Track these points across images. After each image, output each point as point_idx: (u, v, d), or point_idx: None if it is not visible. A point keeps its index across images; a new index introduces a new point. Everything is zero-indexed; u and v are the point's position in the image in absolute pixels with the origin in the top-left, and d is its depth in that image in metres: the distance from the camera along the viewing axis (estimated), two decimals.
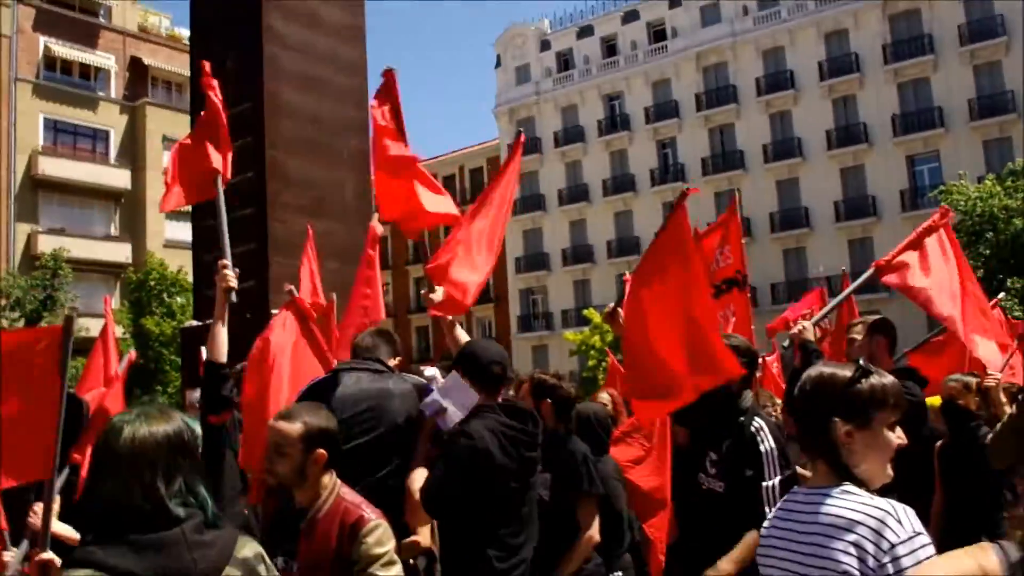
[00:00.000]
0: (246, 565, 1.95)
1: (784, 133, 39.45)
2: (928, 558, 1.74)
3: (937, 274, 4.23)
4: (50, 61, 33.66)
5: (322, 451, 2.72)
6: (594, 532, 3.65)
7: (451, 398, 3.10)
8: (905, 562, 1.74)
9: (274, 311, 7.13)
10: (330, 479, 2.76)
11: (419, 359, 46.96)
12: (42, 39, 33.33)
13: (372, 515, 2.69)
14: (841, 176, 37.89)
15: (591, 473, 3.67)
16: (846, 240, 36.43)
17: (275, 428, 2.75)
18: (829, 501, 1.91)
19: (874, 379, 1.98)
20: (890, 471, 1.96)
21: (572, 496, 3.67)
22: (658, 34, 43.64)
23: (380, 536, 2.65)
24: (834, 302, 4.99)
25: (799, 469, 4.30)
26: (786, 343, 4.24)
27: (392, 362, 3.55)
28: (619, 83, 44.09)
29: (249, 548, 2.00)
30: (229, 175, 4.49)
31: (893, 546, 1.77)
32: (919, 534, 1.78)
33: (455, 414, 3.07)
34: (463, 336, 3.78)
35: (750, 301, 5.39)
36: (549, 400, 3.78)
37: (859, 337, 4.26)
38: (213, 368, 3.65)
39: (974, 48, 34.86)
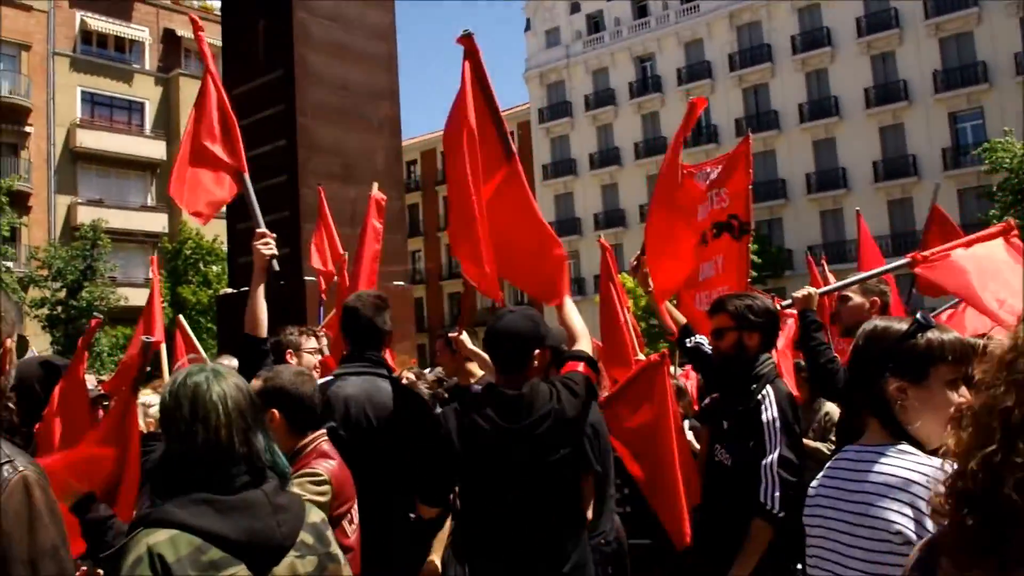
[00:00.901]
0: (316, 530, 1.91)
1: (820, 92, 38.55)
2: None
3: (983, 278, 3.47)
4: (86, 35, 34.06)
5: (274, 411, 2.64)
6: (589, 511, 3.40)
7: None
8: None
9: (307, 278, 7.28)
10: (297, 441, 2.71)
11: (452, 326, 47.24)
12: (78, 14, 33.70)
13: (320, 467, 2.63)
14: (880, 135, 37.00)
15: (591, 452, 3.39)
16: (885, 201, 35.71)
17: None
18: (882, 460, 1.84)
19: (932, 333, 1.89)
20: (950, 433, 1.87)
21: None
22: None
23: (305, 481, 2.55)
24: (855, 279, 4.24)
25: (806, 441, 4.18)
26: (786, 303, 3.96)
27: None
28: (650, 44, 43.37)
29: (316, 513, 1.96)
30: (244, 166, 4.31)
31: None
32: None
33: None
34: (476, 371, 3.80)
35: (748, 251, 4.78)
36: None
37: (855, 296, 3.92)
38: (252, 343, 3.37)
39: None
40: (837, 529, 1.90)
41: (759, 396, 3.19)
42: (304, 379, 2.79)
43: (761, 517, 3.01)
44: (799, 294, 3.75)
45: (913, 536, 1.74)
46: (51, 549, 1.49)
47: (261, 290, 3.46)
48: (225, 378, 1.85)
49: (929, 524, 1.68)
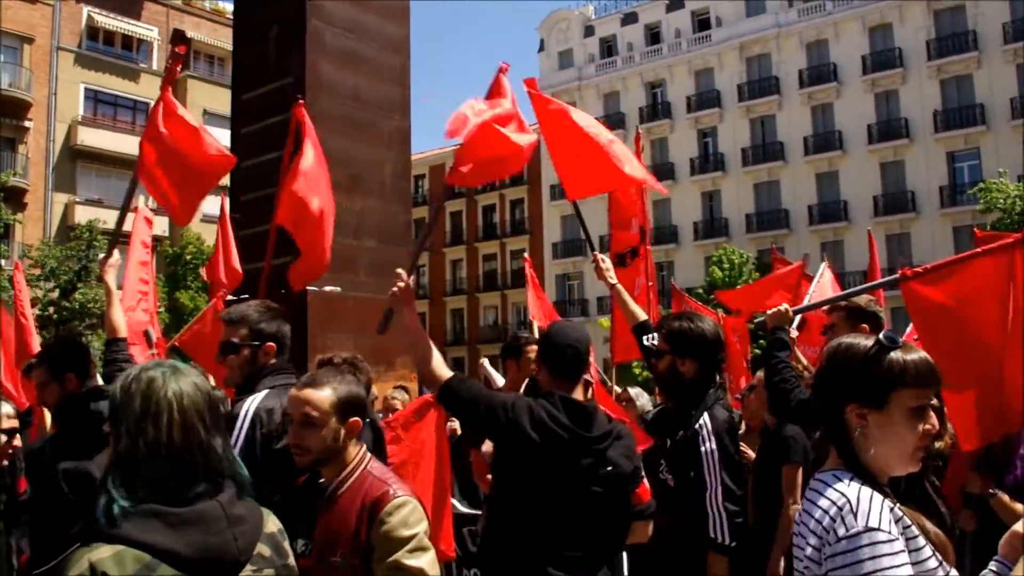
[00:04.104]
0: (273, 540, 1.78)
1: (825, 126, 39.02)
2: (873, 558, 1.55)
3: (973, 306, 3.30)
4: (93, 31, 33.92)
5: (356, 419, 2.43)
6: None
7: None
8: (839, 560, 1.58)
9: (311, 288, 7.11)
10: (357, 450, 2.45)
11: (454, 341, 47.13)
12: (85, 9, 33.54)
13: (401, 491, 2.32)
14: (881, 170, 37.41)
15: None
16: (884, 235, 35.88)
17: (301, 397, 2.41)
18: (819, 488, 1.73)
19: (896, 355, 1.73)
20: (917, 462, 1.73)
21: None
22: (702, 23, 43.19)
23: (406, 515, 2.26)
24: (836, 296, 4.33)
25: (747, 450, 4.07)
26: (759, 319, 3.87)
27: None
28: (662, 71, 43.70)
29: (273, 522, 1.83)
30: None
31: (839, 540, 1.60)
32: (871, 530, 1.58)
33: None
34: (498, 378, 3.75)
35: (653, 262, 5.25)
36: None
37: (839, 321, 3.67)
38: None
39: (1018, 46, 34.19)
40: (797, 555, 1.79)
41: (696, 425, 3.13)
42: (356, 380, 2.59)
43: (714, 551, 3.02)
44: (771, 311, 3.69)
45: (814, 565, 1.65)
46: None
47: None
48: (183, 375, 1.70)
49: (825, 552, 1.61)
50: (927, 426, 1.72)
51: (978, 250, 3.50)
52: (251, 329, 3.01)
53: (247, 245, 8.52)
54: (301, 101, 4.17)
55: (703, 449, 3.08)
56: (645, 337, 3.82)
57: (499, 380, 3.85)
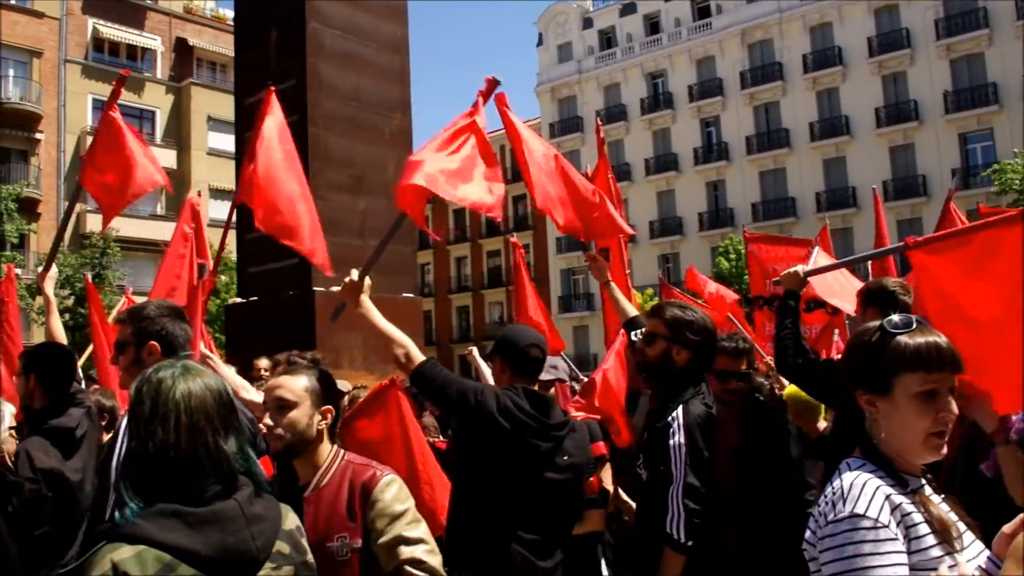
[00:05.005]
0: (291, 538, 1.79)
1: (832, 111, 38.59)
2: (853, 543, 1.57)
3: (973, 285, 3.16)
4: (98, 43, 34.17)
5: (330, 408, 2.46)
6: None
7: None
8: (826, 543, 1.62)
9: (316, 288, 7.20)
10: (331, 447, 2.46)
11: (460, 339, 47.24)
12: (91, 21, 33.83)
13: (386, 471, 2.39)
14: (890, 155, 36.97)
15: None
16: (895, 220, 35.58)
17: (276, 383, 2.43)
18: (834, 474, 1.74)
19: (901, 338, 1.69)
20: (934, 449, 1.69)
21: None
22: (702, 11, 42.87)
23: (397, 492, 2.34)
24: (840, 262, 4.33)
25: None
26: (775, 279, 3.81)
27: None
28: (662, 61, 43.45)
29: (291, 519, 1.84)
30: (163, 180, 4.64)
31: (827, 523, 1.64)
32: (855, 516, 1.59)
33: None
34: (486, 369, 3.78)
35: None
36: None
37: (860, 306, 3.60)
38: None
39: None
40: None
41: (669, 418, 3.06)
42: (327, 371, 2.69)
43: (669, 547, 2.95)
44: (785, 272, 3.62)
45: (811, 547, 1.68)
46: None
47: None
48: (193, 376, 1.71)
49: (818, 535, 1.64)
50: (943, 412, 1.66)
51: (988, 219, 3.38)
52: (135, 328, 2.89)
53: (252, 249, 8.62)
54: (272, 88, 4.32)
55: (671, 442, 3.00)
56: (634, 333, 3.80)
57: (487, 371, 3.90)
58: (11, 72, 31.50)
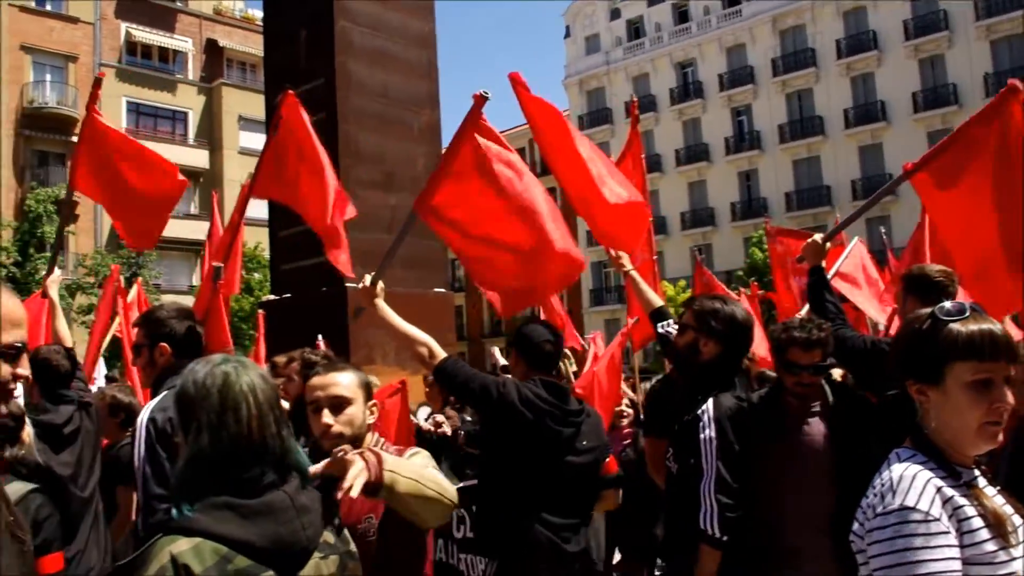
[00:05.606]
0: (336, 528, 1.85)
1: (867, 97, 38.04)
2: (903, 537, 1.53)
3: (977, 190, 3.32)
4: (131, 46, 34.68)
5: (375, 403, 2.53)
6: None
7: None
8: (875, 536, 1.59)
9: (349, 285, 7.23)
10: (373, 437, 2.53)
11: (491, 334, 47.30)
12: (123, 25, 34.35)
13: (420, 450, 2.47)
14: (928, 140, 36.23)
15: None
16: None
17: (328, 380, 2.44)
18: (883, 465, 1.70)
19: (954, 326, 1.63)
20: (989, 437, 1.63)
21: None
22: None
23: (424, 460, 2.34)
24: (853, 214, 4.51)
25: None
26: (799, 257, 3.81)
27: None
28: (692, 50, 43.08)
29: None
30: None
31: (875, 516, 1.60)
32: (905, 509, 1.55)
33: None
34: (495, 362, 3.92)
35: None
36: None
37: (901, 294, 3.57)
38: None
39: None
40: None
41: (699, 411, 3.06)
42: None
43: (704, 543, 2.94)
44: (805, 244, 3.67)
45: (858, 539, 1.65)
46: None
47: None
48: (251, 369, 1.74)
49: (865, 527, 1.61)
50: (997, 403, 1.60)
51: (969, 119, 3.61)
52: (147, 330, 3.03)
53: (285, 246, 8.68)
54: (291, 92, 4.35)
55: (702, 436, 3.00)
56: (660, 324, 3.81)
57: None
58: (48, 77, 32.12)
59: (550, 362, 3.34)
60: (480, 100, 3.44)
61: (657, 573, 4.41)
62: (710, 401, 3.05)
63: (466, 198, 3.45)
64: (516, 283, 3.60)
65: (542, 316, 5.66)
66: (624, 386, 6.46)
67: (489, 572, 3.18)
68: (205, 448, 1.64)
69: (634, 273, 4.07)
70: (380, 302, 3.32)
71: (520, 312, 3.87)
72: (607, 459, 3.48)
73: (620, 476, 3.65)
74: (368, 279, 3.34)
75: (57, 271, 4.62)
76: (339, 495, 1.78)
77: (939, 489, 1.58)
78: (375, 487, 1.88)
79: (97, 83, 4.72)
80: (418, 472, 2.04)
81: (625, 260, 4.09)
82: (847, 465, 2.92)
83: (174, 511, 1.61)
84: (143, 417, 2.79)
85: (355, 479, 1.79)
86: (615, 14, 46.27)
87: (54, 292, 4.53)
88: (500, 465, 3.18)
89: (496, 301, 3.74)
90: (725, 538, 2.90)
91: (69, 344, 4.15)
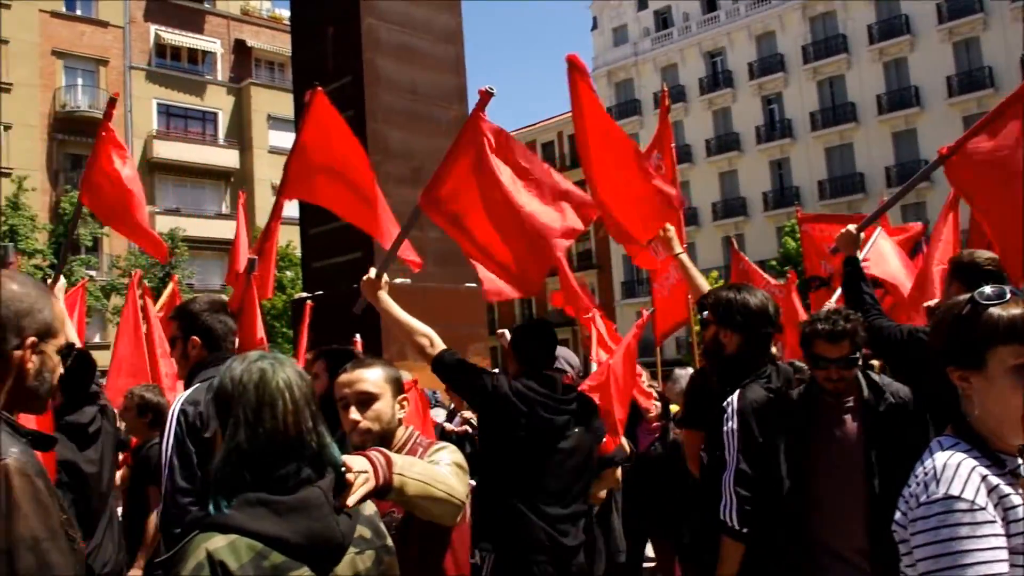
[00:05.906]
0: (371, 523, 1.84)
1: (900, 82, 37.37)
2: (948, 526, 1.48)
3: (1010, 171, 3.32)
4: (160, 48, 35.05)
5: (404, 397, 2.51)
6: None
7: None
8: (919, 525, 1.54)
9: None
10: (404, 431, 2.51)
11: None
12: (153, 28, 34.71)
13: (448, 445, 2.41)
14: (964, 125, 35.53)
15: None
16: None
17: (354, 376, 2.43)
18: (926, 454, 1.66)
19: (994, 309, 1.59)
20: None
21: None
22: None
23: (451, 454, 2.26)
24: (889, 201, 4.51)
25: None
26: (833, 247, 3.75)
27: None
28: (720, 39, 42.62)
29: (369, 505, 1.87)
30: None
31: (919, 505, 1.55)
32: (950, 498, 1.51)
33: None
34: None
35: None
36: None
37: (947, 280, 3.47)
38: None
39: None
40: None
41: (725, 403, 3.03)
42: None
43: (725, 534, 2.91)
44: (839, 234, 3.63)
45: (901, 529, 1.61)
46: (30, 540, 1.42)
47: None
48: (287, 365, 1.74)
49: (908, 517, 1.57)
50: None
51: (1001, 101, 3.59)
52: (180, 324, 3.11)
53: (316, 244, 8.69)
54: (320, 89, 4.36)
55: (725, 428, 2.98)
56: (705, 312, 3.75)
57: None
58: (79, 81, 32.56)
59: (540, 362, 3.44)
60: (485, 96, 3.51)
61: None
62: (736, 393, 3.03)
63: (467, 192, 3.54)
64: (507, 271, 3.64)
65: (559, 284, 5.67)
66: (648, 379, 6.38)
67: (487, 567, 3.19)
68: (242, 444, 1.65)
69: (683, 256, 3.96)
70: (383, 294, 3.36)
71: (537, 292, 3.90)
72: (602, 440, 3.65)
73: (616, 456, 3.77)
74: (372, 272, 3.39)
75: (62, 280, 4.61)
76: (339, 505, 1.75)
77: (984, 477, 1.54)
78: (384, 490, 1.85)
79: (112, 103, 4.80)
80: (428, 473, 2.01)
81: (675, 243, 4.00)
82: (880, 463, 2.85)
83: (210, 507, 1.62)
84: (175, 408, 2.83)
85: (358, 488, 1.76)
86: (642, 4, 45.92)
87: (59, 300, 4.56)
88: (496, 457, 3.27)
89: (493, 290, 3.69)
90: (745, 530, 2.87)
91: (79, 346, 4.21)
